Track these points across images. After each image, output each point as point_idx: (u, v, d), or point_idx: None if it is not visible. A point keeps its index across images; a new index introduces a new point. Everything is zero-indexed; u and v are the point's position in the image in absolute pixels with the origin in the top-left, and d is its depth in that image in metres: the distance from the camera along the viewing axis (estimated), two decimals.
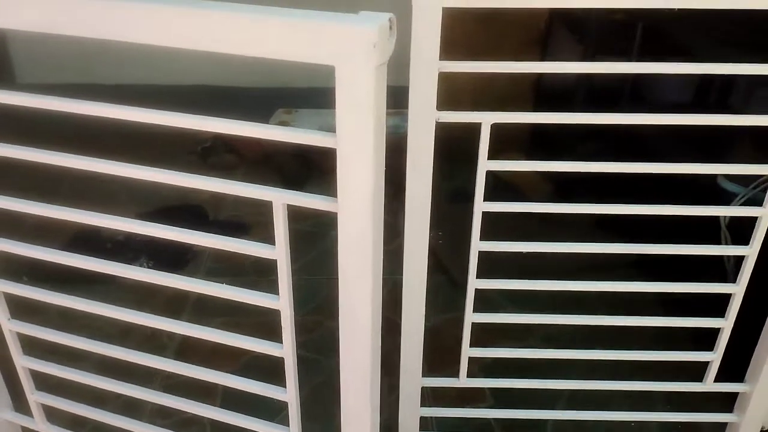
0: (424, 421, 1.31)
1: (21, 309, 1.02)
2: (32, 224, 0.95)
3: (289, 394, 0.85)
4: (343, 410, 0.83)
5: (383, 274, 0.74)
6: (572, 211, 1.09)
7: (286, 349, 0.81)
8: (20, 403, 1.16)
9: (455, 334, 1.20)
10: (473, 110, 0.99)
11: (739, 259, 1.12)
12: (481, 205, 1.06)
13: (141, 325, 0.89)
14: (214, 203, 2.26)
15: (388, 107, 0.62)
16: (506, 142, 1.18)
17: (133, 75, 2.43)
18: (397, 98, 0.91)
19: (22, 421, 1.16)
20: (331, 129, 0.61)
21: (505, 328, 1.23)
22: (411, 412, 1.27)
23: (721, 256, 1.39)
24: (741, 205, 1.44)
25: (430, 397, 1.42)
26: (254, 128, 0.66)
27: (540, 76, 2.43)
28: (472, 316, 1.17)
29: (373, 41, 0.55)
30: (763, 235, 1.07)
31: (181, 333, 0.88)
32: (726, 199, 1.49)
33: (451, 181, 1.12)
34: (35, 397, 1.11)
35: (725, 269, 1.39)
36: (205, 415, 0.97)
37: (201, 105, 0.77)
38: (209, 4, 0.59)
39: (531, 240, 1.10)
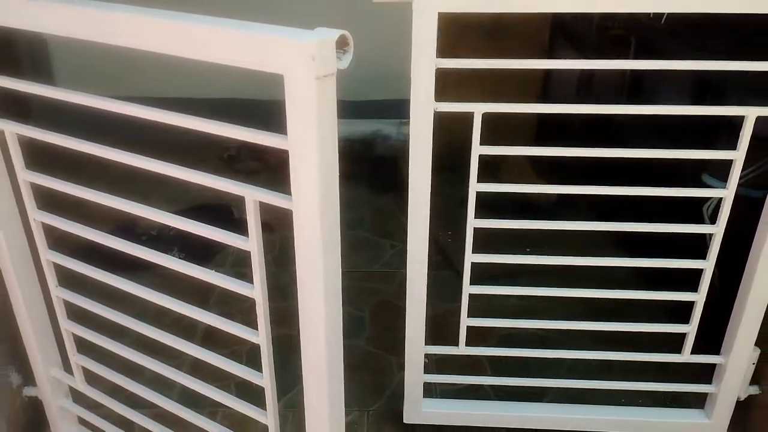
0: (427, 387, 1.44)
1: (70, 282, 1.18)
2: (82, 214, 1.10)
3: (264, 379, 0.97)
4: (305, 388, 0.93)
5: (393, 268, 0.86)
6: (553, 191, 1.23)
7: (261, 337, 0.93)
8: (69, 366, 1.31)
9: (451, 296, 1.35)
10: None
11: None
12: (474, 186, 1.21)
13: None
14: (241, 203, 2.42)
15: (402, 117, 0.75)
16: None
17: (166, 89, 2.63)
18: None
19: (66, 379, 1.32)
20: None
21: (500, 308, 1.38)
22: (415, 378, 1.40)
23: (705, 243, 1.52)
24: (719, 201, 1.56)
25: (434, 367, 1.55)
26: (212, 126, 0.78)
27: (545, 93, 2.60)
28: (469, 288, 1.31)
29: (312, 54, 0.64)
30: (728, 214, 1.19)
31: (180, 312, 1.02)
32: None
33: (460, 189, 1.25)
34: (76, 359, 1.26)
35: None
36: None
37: (228, 116, 0.90)
38: (175, 14, 0.72)
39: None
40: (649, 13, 1.86)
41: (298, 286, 0.83)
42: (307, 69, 0.66)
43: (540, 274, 1.46)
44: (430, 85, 1.11)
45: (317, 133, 0.70)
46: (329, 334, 0.85)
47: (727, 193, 1.18)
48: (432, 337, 1.42)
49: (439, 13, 1.05)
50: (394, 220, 2.37)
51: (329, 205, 0.76)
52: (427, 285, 1.32)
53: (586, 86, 2.21)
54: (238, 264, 2.10)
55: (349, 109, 2.21)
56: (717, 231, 1.21)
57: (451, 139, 1.32)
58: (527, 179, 2.37)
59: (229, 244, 0.88)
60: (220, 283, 0.92)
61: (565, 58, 2.45)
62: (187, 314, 1.01)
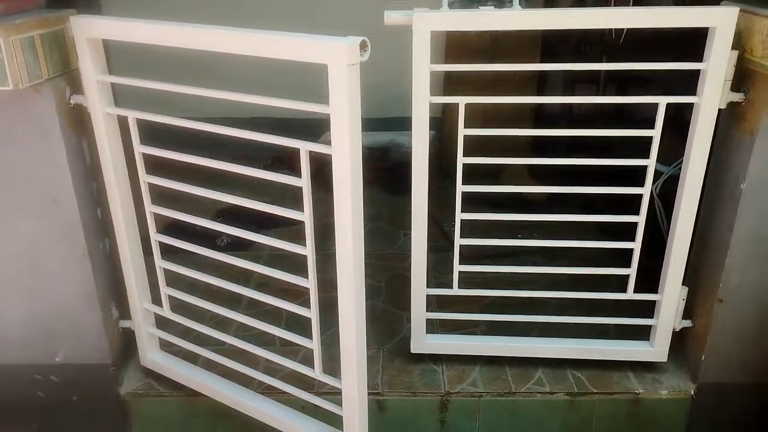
0: (430, 324, 1.84)
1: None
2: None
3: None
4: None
5: (405, 250, 1.23)
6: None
7: (308, 253, 1.36)
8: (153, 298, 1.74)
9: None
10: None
11: (669, 214, 1.65)
12: (461, 159, 1.62)
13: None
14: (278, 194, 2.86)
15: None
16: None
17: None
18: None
19: (156, 309, 1.75)
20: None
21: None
22: (420, 315, 1.79)
23: (656, 214, 1.90)
24: (665, 181, 1.95)
25: (435, 307, 1.94)
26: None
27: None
28: (459, 240, 1.71)
29: (345, 50, 1.08)
30: (652, 178, 1.59)
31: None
32: (657, 176, 2.00)
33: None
34: (165, 291, 1.69)
35: (660, 219, 1.88)
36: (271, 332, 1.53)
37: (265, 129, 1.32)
38: (264, 31, 1.17)
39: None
40: (612, 34, 2.29)
41: (335, 215, 1.26)
42: (342, 60, 1.10)
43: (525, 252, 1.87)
44: (426, 83, 1.53)
45: (348, 101, 1.13)
46: (356, 251, 1.29)
47: (644, 190, 1.58)
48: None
49: (431, 31, 1.48)
50: (407, 215, 2.78)
51: (356, 150, 1.20)
52: (431, 262, 1.73)
53: (571, 86, 2.64)
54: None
55: (370, 124, 2.71)
56: (645, 192, 1.61)
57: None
58: (525, 182, 2.77)
59: (286, 183, 1.31)
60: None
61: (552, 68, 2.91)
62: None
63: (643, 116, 2.60)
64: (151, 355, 1.80)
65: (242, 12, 3.15)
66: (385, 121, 3.13)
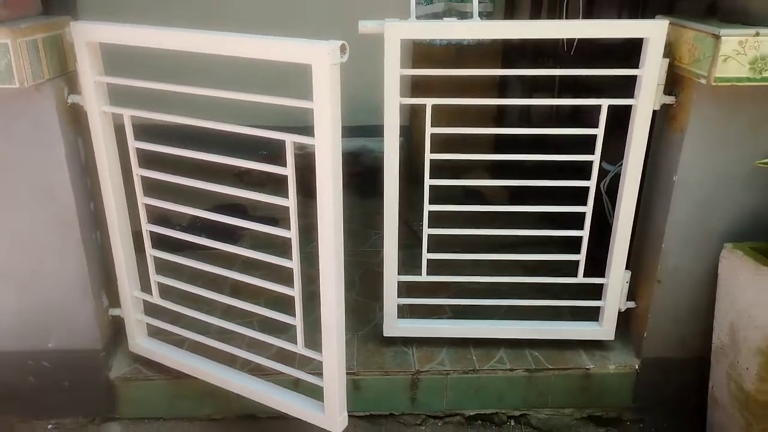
0: (400, 309, 1.99)
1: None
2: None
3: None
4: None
5: (377, 248, 1.40)
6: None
7: (292, 236, 1.52)
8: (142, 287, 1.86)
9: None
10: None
11: (613, 203, 1.84)
12: (428, 156, 1.79)
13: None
14: (252, 205, 2.99)
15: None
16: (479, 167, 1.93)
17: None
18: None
19: (144, 296, 1.86)
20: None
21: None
22: (391, 300, 1.95)
23: (604, 208, 2.10)
24: (611, 178, 2.16)
25: (405, 293, 2.09)
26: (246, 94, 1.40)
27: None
28: (427, 230, 1.88)
29: (328, 51, 1.25)
30: (597, 172, 1.79)
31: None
32: (604, 173, 2.20)
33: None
34: (155, 278, 1.81)
35: (607, 212, 2.07)
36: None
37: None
38: (255, 35, 1.33)
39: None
40: (564, 46, 2.51)
41: (317, 196, 1.41)
42: (325, 60, 1.26)
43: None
44: (396, 86, 1.70)
45: (330, 96, 1.30)
46: (336, 225, 1.44)
47: (591, 183, 1.78)
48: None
49: (401, 39, 1.65)
50: (378, 216, 2.94)
51: (336, 143, 1.36)
52: (401, 258, 1.89)
53: (529, 94, 2.86)
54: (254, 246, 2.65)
55: (342, 131, 2.90)
56: (591, 185, 1.80)
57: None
58: (491, 196, 2.95)
59: (270, 172, 1.46)
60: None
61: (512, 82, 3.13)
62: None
63: (595, 120, 2.83)
64: (140, 341, 1.92)
65: (221, 19, 3.30)
66: (356, 129, 3.30)
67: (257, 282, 1.62)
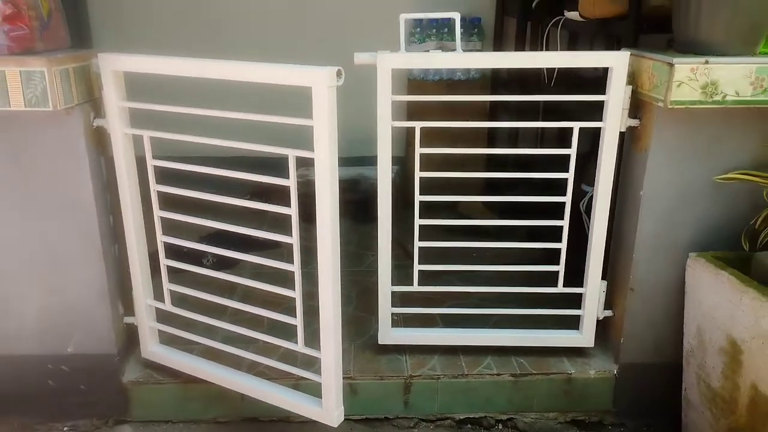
0: (395, 320, 2.14)
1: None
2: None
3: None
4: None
5: (373, 268, 1.60)
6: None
7: (294, 242, 1.69)
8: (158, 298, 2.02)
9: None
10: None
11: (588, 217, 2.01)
12: (418, 173, 1.97)
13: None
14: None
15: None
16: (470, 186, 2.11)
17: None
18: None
19: (158, 305, 2.02)
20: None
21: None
22: (386, 310, 2.10)
23: (584, 226, 2.26)
24: (589, 200, 2.33)
25: (398, 303, 2.24)
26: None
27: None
28: (418, 243, 2.04)
29: (326, 76, 1.44)
30: (572, 189, 1.96)
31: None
32: (582, 195, 2.38)
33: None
34: (168, 286, 1.97)
35: (587, 229, 2.24)
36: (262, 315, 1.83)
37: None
38: (263, 63, 1.54)
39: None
40: (546, 79, 2.72)
41: (316, 203, 1.58)
42: (323, 83, 1.45)
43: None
44: (388, 111, 1.88)
45: (328, 114, 1.48)
46: (333, 243, 1.60)
47: (566, 198, 1.95)
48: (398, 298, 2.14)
49: (392, 69, 1.84)
50: (374, 239, 3.12)
51: (334, 153, 1.54)
52: (396, 277, 2.05)
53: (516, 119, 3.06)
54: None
55: (340, 161, 3.13)
56: (567, 200, 1.97)
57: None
58: (480, 214, 3.13)
59: (275, 184, 1.64)
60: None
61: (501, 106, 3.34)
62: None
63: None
64: (152, 347, 2.06)
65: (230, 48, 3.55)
66: (355, 159, 3.50)
67: (261, 286, 1.78)
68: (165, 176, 1.85)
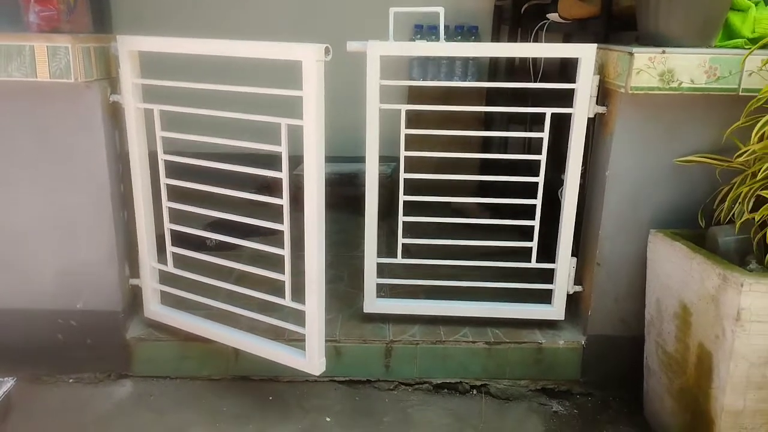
0: (379, 287, 2.31)
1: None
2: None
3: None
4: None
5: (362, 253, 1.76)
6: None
7: (284, 205, 1.87)
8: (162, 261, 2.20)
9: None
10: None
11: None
12: (402, 153, 2.15)
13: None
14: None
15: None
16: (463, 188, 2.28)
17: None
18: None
19: (161, 266, 2.20)
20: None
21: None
22: (371, 280, 2.26)
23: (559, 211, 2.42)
24: None
25: (384, 274, 2.40)
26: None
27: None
28: (402, 218, 2.21)
29: (314, 51, 1.64)
30: (545, 169, 2.13)
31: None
32: (561, 184, 2.54)
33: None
34: (171, 249, 2.16)
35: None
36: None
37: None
38: (262, 42, 1.74)
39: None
40: (532, 77, 2.90)
41: (304, 171, 1.76)
42: (312, 57, 1.64)
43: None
44: (376, 94, 2.07)
45: (316, 86, 1.67)
46: (318, 192, 1.78)
47: (541, 158, 2.13)
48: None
49: (380, 56, 2.03)
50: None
51: (320, 124, 1.72)
52: (386, 264, 2.21)
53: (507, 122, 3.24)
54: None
55: (340, 159, 3.36)
56: (540, 180, 2.14)
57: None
58: (473, 214, 3.29)
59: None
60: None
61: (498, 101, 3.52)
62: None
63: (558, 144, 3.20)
64: (154, 306, 2.24)
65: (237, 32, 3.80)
66: (356, 158, 3.70)
67: (254, 245, 1.96)
68: (176, 171, 2.06)
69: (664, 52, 1.87)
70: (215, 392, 2.19)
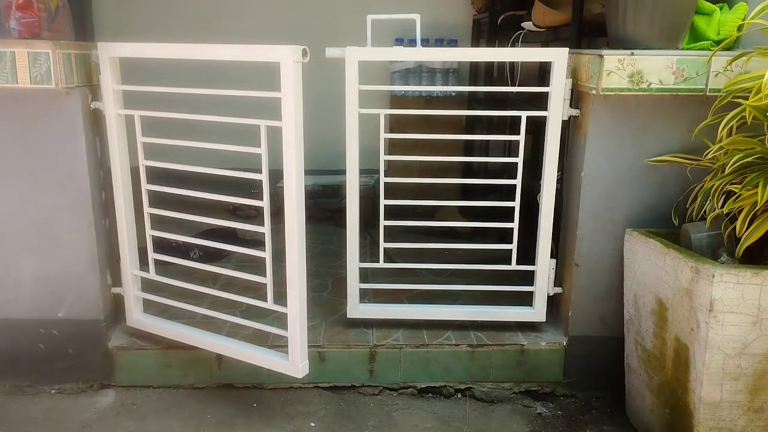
0: (362, 292, 2.32)
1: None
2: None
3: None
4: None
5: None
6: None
7: (265, 207, 1.90)
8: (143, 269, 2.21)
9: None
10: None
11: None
12: (383, 157, 2.18)
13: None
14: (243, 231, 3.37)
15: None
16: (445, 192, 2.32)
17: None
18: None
19: (143, 274, 2.20)
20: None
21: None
22: (354, 285, 2.28)
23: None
24: None
25: (367, 279, 2.42)
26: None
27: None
28: (383, 222, 2.24)
29: (292, 51, 1.68)
30: (521, 171, 2.17)
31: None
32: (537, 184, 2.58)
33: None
34: (152, 255, 2.16)
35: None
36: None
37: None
38: (241, 45, 1.77)
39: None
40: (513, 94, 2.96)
41: (283, 171, 1.79)
42: (290, 58, 1.68)
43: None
44: (355, 99, 2.10)
45: (293, 87, 1.70)
46: (298, 190, 1.80)
47: (518, 160, 2.17)
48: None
49: (358, 60, 2.07)
50: None
51: (299, 124, 1.75)
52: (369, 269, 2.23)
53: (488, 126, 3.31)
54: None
55: (325, 172, 3.41)
56: (517, 183, 2.18)
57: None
58: (456, 218, 3.33)
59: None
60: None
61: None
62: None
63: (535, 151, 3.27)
64: (136, 314, 2.23)
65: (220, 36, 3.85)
66: (337, 171, 3.75)
67: (237, 249, 1.97)
68: (161, 181, 2.09)
69: (632, 54, 1.93)
70: (199, 400, 2.18)
